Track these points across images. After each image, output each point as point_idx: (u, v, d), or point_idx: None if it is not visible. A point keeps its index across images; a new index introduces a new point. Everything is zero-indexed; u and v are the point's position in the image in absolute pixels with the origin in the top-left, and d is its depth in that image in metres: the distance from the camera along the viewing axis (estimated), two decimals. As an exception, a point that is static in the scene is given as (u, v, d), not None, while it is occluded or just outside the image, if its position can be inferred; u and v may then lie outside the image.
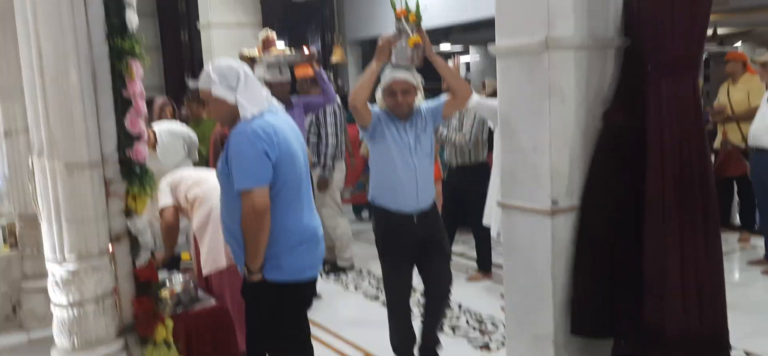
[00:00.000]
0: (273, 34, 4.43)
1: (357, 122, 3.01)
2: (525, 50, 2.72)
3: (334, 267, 5.20)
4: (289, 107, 4.28)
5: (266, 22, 6.47)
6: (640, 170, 2.61)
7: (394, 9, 2.83)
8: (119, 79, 2.43)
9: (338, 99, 4.83)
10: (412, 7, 2.84)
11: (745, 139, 4.96)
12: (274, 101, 2.51)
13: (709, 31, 11.30)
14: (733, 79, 5.21)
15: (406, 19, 2.82)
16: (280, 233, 2.34)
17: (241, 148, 2.27)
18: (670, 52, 2.50)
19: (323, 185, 4.91)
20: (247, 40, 6.30)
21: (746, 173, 4.99)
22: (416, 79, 2.94)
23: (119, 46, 2.39)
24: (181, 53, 8.26)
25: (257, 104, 2.34)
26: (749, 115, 4.93)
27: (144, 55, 2.49)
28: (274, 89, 4.22)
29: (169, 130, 4.49)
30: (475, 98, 3.49)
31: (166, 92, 8.10)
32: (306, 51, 4.42)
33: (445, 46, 10.45)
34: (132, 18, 2.42)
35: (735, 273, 4.61)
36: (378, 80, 3.01)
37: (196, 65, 7.80)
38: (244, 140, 2.26)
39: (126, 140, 2.47)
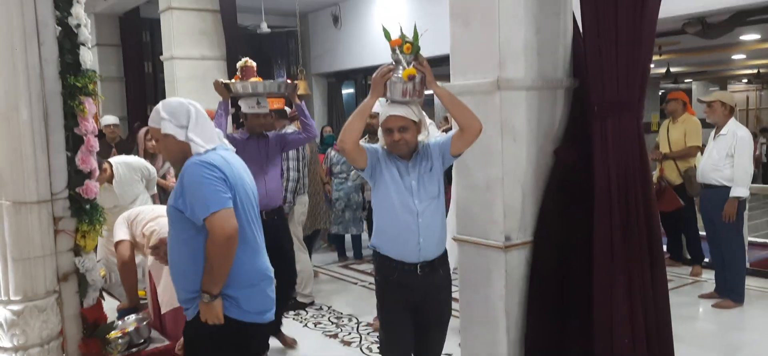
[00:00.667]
0: (252, 63, 4.07)
1: (353, 166, 2.70)
2: (478, 89, 2.80)
3: (293, 303, 5.13)
4: (264, 140, 3.97)
5: (231, 56, 6.46)
6: (589, 206, 2.69)
7: (388, 39, 2.60)
8: (71, 117, 2.41)
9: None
10: (410, 35, 2.59)
11: (681, 176, 5.19)
12: (225, 140, 2.48)
13: (663, 70, 11.81)
14: (673, 118, 5.38)
15: (401, 49, 2.57)
16: (233, 273, 2.30)
17: (197, 176, 2.21)
18: (614, 93, 2.61)
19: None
20: (211, 72, 6.26)
21: (679, 209, 5.18)
22: (417, 114, 2.63)
23: (72, 84, 2.37)
24: (144, 84, 8.23)
25: (209, 140, 2.33)
26: (685, 154, 5.18)
27: (97, 93, 2.48)
28: (250, 120, 3.91)
29: (126, 163, 4.44)
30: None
31: (129, 122, 8.02)
32: (287, 81, 4.02)
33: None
34: (86, 56, 2.41)
35: (686, 307, 4.69)
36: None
37: (159, 96, 7.75)
38: (200, 169, 2.22)
39: (76, 177, 2.44)
